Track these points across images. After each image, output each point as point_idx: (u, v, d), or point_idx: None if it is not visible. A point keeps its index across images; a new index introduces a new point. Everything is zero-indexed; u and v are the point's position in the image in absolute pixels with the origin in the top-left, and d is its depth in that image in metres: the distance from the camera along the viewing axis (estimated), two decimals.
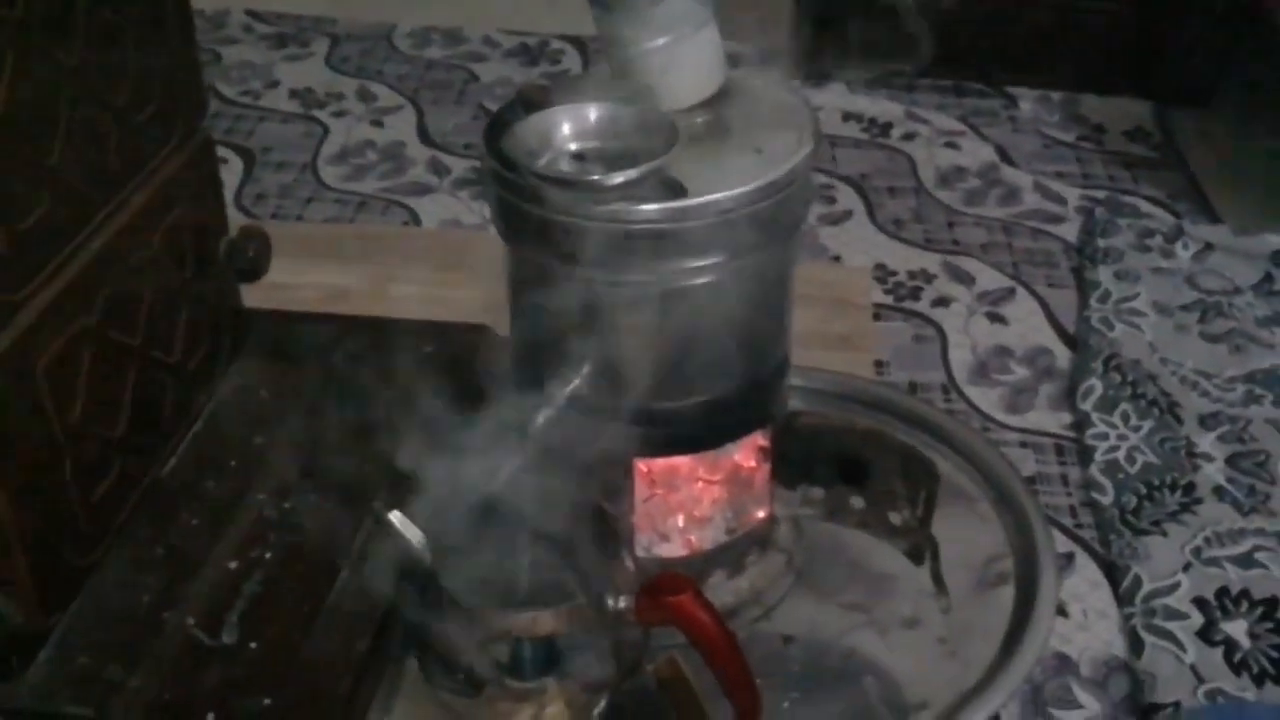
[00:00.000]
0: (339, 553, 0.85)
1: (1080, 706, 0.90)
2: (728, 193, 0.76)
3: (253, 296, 1.03)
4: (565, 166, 0.78)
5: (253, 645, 0.79)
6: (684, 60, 0.81)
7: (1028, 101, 1.69)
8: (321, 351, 1.02)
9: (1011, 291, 1.33)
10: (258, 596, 0.82)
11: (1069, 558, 1.02)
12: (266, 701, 0.76)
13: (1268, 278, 1.32)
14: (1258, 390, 1.18)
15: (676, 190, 0.75)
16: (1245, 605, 0.97)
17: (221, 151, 1.53)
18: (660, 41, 0.79)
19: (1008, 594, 0.93)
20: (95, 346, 0.80)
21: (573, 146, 0.79)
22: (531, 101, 0.81)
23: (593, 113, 0.79)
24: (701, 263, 0.77)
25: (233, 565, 0.84)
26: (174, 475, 0.91)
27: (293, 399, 0.98)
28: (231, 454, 0.93)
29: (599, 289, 0.78)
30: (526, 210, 0.77)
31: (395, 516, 0.77)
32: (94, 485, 0.82)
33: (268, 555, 0.85)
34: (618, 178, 0.74)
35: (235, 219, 1.15)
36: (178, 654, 0.78)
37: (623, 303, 0.79)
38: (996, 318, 1.30)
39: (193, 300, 0.92)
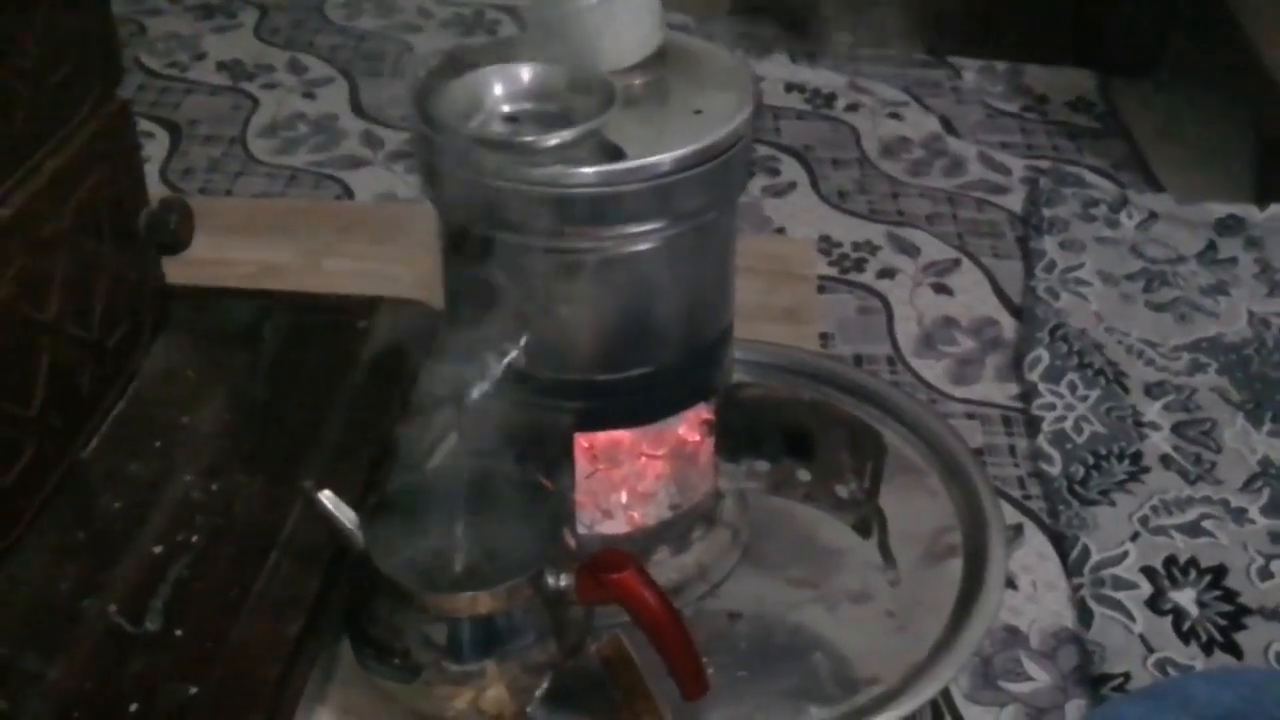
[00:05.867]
0: (268, 535, 0.82)
1: (1030, 679, 0.90)
2: (667, 155, 0.73)
3: (182, 273, 1.00)
4: (498, 129, 0.75)
5: (178, 632, 0.77)
6: (620, 20, 0.78)
7: (971, 72, 1.68)
8: (249, 328, 0.99)
9: (957, 262, 1.32)
10: (183, 581, 0.80)
11: (1017, 529, 1.00)
12: (193, 690, 0.73)
13: (1211, 246, 1.32)
14: (1202, 359, 1.17)
15: (614, 153, 0.73)
16: (1193, 574, 0.96)
17: (147, 125, 1.48)
18: (595, 0, 0.77)
19: (956, 566, 0.91)
20: (4, 322, 0.77)
21: (506, 108, 0.77)
22: (462, 63, 0.78)
23: (526, 73, 0.77)
24: (641, 228, 0.75)
25: (157, 549, 0.82)
26: (95, 457, 0.88)
27: (219, 377, 0.95)
28: (156, 434, 0.90)
29: (535, 257, 0.76)
30: (457, 175, 0.74)
31: (326, 496, 0.75)
32: (6, 467, 0.78)
33: (194, 539, 0.83)
34: (553, 140, 0.72)
35: (161, 194, 1.11)
36: (99, 643, 0.76)
37: (560, 271, 0.76)
38: (942, 289, 1.28)
39: (111, 274, 0.89)
